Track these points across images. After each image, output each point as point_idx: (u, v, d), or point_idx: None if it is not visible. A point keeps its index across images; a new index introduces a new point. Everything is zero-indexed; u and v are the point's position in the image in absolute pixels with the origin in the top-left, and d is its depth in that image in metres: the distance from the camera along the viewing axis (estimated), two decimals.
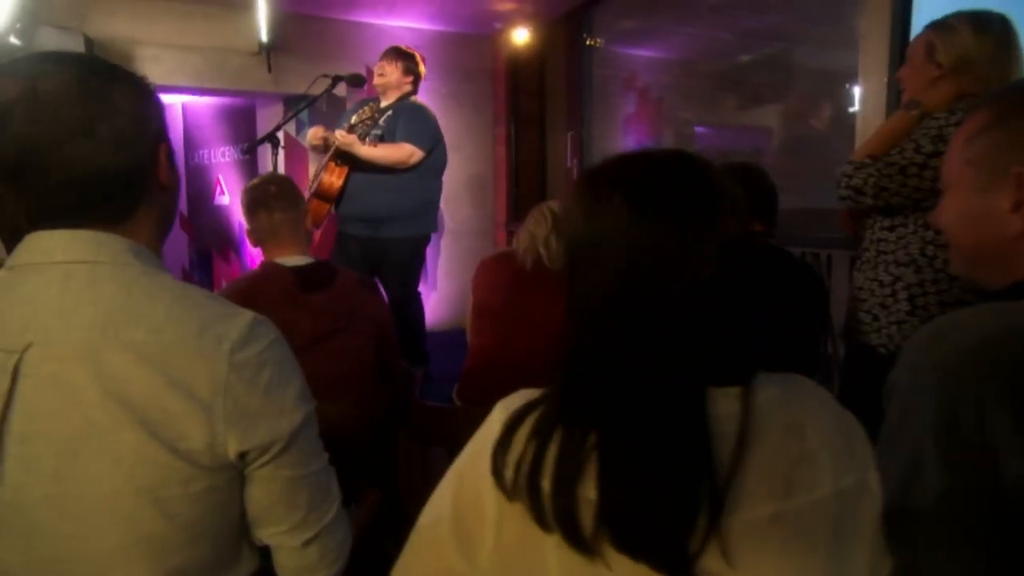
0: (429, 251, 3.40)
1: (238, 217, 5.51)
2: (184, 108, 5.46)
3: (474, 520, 0.62)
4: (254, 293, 1.51)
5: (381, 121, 3.04)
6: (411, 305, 3.21)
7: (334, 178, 3.04)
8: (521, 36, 4.37)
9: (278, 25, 4.04)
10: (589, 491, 0.56)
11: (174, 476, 0.65)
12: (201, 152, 5.59)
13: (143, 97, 0.71)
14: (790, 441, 0.58)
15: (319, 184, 3.04)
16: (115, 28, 4.02)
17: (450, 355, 3.32)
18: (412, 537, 0.69)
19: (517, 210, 4.75)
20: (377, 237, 3.07)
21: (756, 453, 0.57)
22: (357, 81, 3.11)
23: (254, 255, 5.27)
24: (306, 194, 3.42)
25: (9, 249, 0.70)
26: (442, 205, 3.43)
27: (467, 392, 1.88)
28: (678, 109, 5.12)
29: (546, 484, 0.57)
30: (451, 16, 4.40)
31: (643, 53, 5.01)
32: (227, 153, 5.50)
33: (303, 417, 0.73)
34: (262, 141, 2.82)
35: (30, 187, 0.66)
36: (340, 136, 2.92)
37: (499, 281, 1.87)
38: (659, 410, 0.57)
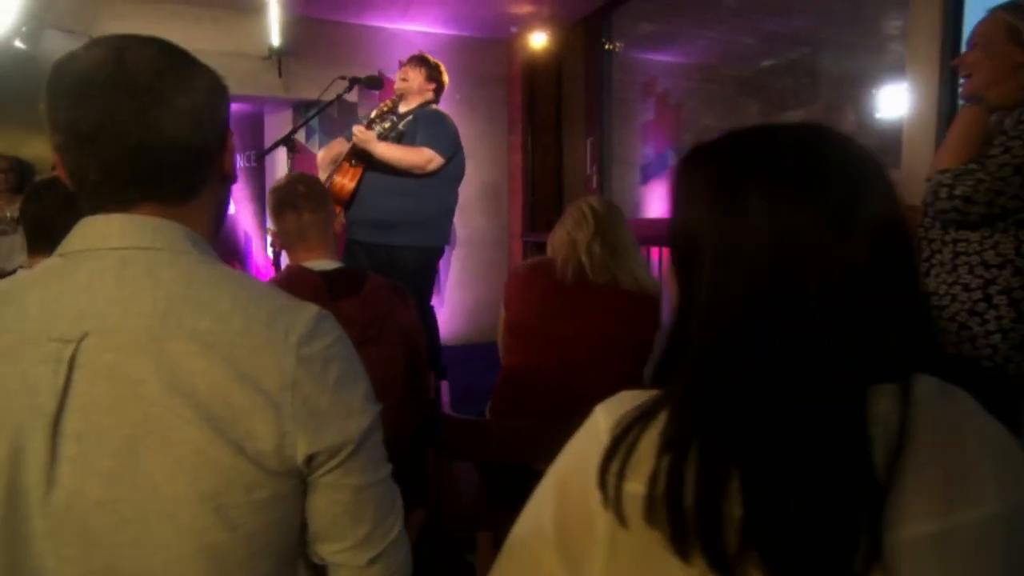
0: (440, 262, 3.34)
1: (244, 227, 5.46)
2: None
3: (581, 535, 0.57)
4: None
5: (401, 125, 2.99)
6: (424, 319, 3.14)
7: (347, 180, 2.96)
8: (538, 40, 4.33)
9: (289, 29, 4.01)
10: (733, 507, 0.51)
11: (239, 480, 0.62)
12: None
13: (217, 82, 0.73)
14: (948, 446, 0.53)
15: (331, 186, 2.95)
16: (122, 32, 3.98)
17: (465, 371, 3.23)
18: (508, 550, 0.64)
19: (533, 219, 4.69)
20: (386, 244, 2.98)
21: (914, 459, 0.51)
22: (374, 84, 3.07)
23: (260, 266, 5.21)
24: None
25: (87, 208, 0.69)
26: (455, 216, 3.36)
27: (500, 410, 1.80)
28: (698, 115, 5.08)
29: (688, 500, 0.52)
30: (466, 20, 4.36)
31: (662, 58, 4.96)
32: None
33: (372, 419, 0.70)
34: (278, 145, 2.76)
35: (102, 151, 0.65)
36: (358, 131, 2.85)
37: (534, 296, 1.74)
38: (816, 413, 0.51)
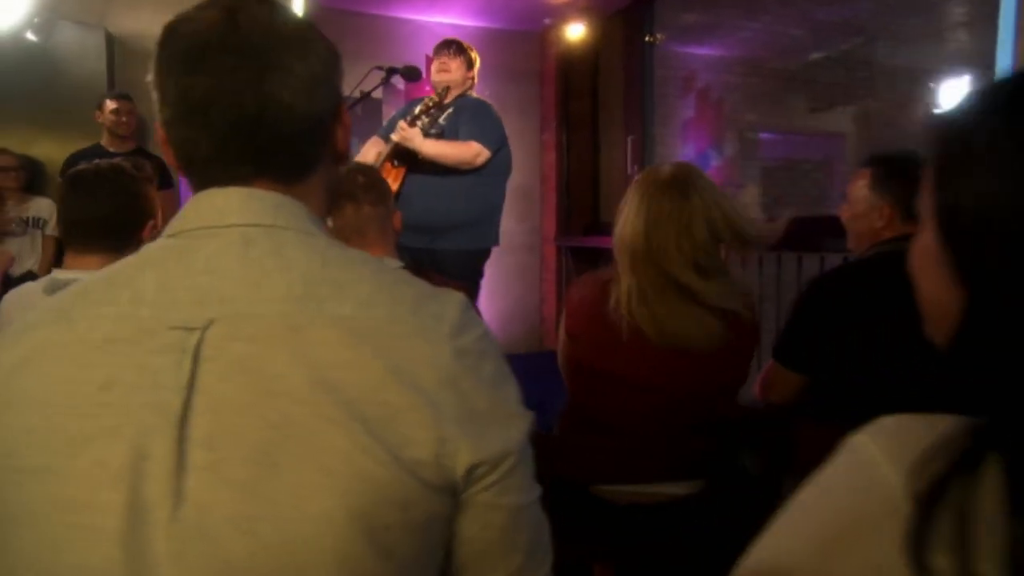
0: None
1: None
2: None
3: None
4: None
5: (441, 119, 2.87)
6: None
7: (390, 180, 2.80)
8: (575, 32, 4.21)
9: (312, 20, 3.92)
10: None
11: (394, 496, 0.54)
12: None
13: (332, 48, 0.68)
14: None
15: None
16: (137, 23, 3.90)
17: None
18: None
19: (568, 223, 4.56)
20: (432, 249, 2.87)
21: None
22: (413, 75, 2.92)
23: None
24: None
25: (195, 188, 0.65)
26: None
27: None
28: (741, 112, 4.94)
29: None
30: (497, 11, 4.26)
31: (702, 51, 4.83)
32: None
33: (528, 425, 0.63)
34: None
35: (215, 122, 0.61)
36: (401, 129, 2.72)
37: (611, 336, 1.45)
38: None
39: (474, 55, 3.06)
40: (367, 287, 0.59)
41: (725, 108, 4.85)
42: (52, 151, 3.47)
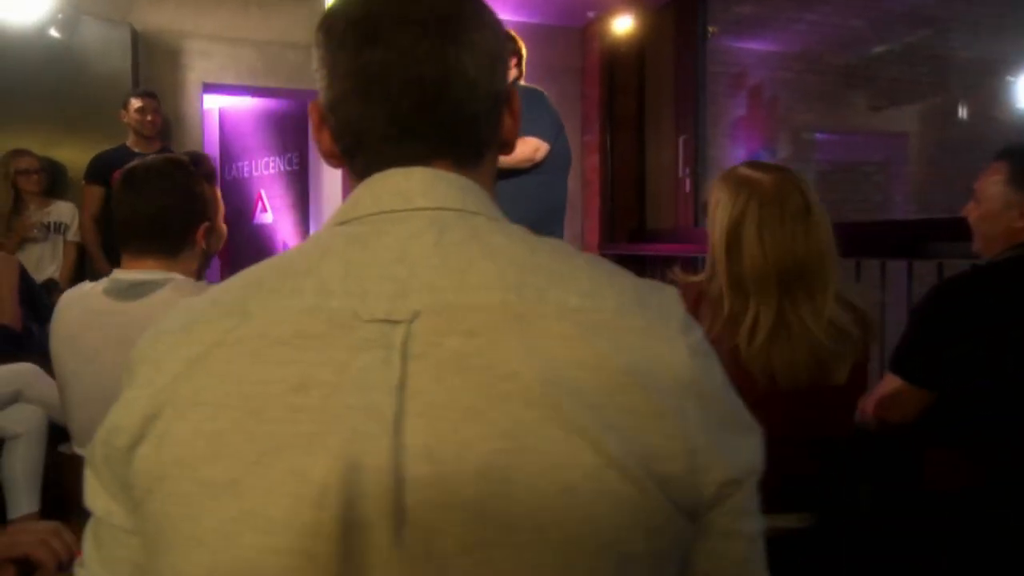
0: None
1: (283, 236, 5.30)
2: (221, 114, 5.27)
3: None
4: None
5: None
6: None
7: None
8: (621, 26, 4.09)
9: None
10: None
11: (643, 520, 0.49)
12: (239, 164, 5.41)
13: (501, 24, 0.66)
14: None
15: None
16: (162, 19, 3.85)
17: None
18: None
19: (612, 229, 4.42)
20: None
21: None
22: None
23: None
24: None
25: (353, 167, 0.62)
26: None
27: None
28: (796, 111, 4.78)
29: None
30: (537, 5, 4.16)
31: (755, 45, 4.68)
32: (272, 164, 5.30)
33: (762, 438, 0.57)
34: None
35: (393, 97, 0.58)
36: None
37: (743, 387, 1.35)
38: None
39: (517, 40, 2.98)
40: (585, 276, 0.54)
41: (779, 107, 4.70)
42: (75, 153, 3.40)
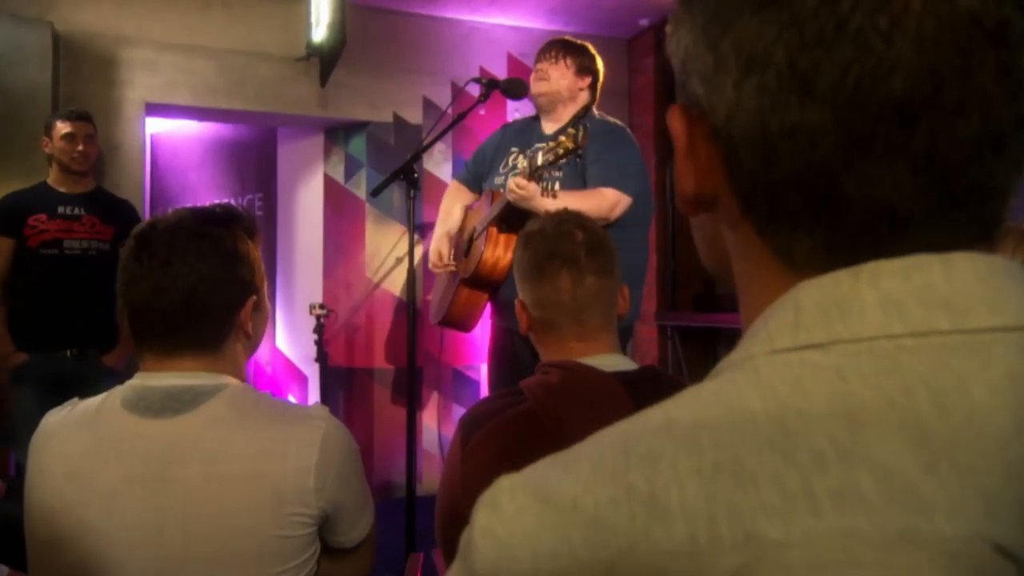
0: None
1: None
2: (154, 141, 4.73)
3: None
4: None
5: (562, 162, 2.41)
6: None
7: (500, 251, 2.47)
8: None
9: (335, 23, 3.46)
10: None
11: None
12: (177, 205, 4.89)
13: None
14: None
15: (480, 262, 2.44)
16: (94, 20, 3.38)
17: None
18: None
19: (674, 293, 4.02)
20: None
21: None
22: (518, 90, 2.57)
23: (260, 357, 4.46)
24: (439, 280, 2.87)
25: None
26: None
27: None
28: None
29: None
30: (577, 11, 3.84)
31: None
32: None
33: None
34: (393, 179, 2.33)
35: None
36: (519, 187, 2.32)
37: None
38: None
39: (593, 56, 2.68)
40: None
41: None
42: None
